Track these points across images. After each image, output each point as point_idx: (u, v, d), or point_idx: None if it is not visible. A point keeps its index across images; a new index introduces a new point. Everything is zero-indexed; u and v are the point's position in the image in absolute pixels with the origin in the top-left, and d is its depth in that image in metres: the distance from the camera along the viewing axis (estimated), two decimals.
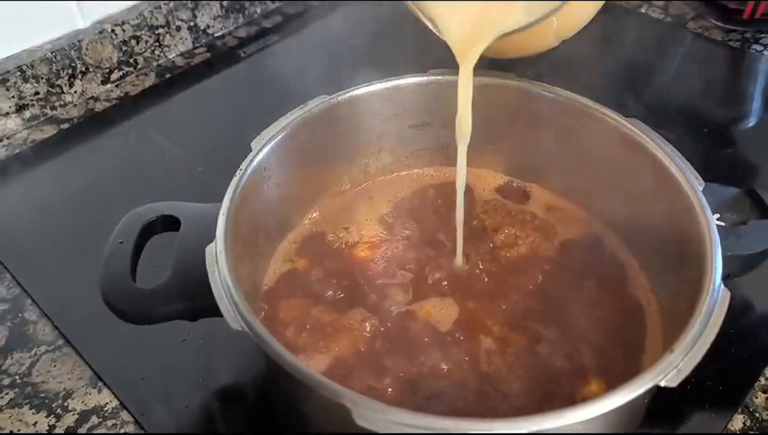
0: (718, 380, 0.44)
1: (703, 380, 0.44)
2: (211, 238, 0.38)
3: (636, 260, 0.46)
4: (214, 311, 0.36)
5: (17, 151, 0.65)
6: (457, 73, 0.48)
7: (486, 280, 0.46)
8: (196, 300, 0.38)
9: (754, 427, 0.43)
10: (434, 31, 0.44)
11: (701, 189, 0.39)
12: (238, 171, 0.41)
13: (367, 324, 0.43)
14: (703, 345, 0.32)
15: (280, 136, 0.44)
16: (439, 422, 0.29)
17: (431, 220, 0.50)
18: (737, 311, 0.47)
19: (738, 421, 0.43)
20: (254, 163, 0.42)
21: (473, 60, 0.42)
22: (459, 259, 0.46)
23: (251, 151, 0.43)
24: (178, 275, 0.39)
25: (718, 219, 0.38)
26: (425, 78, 0.49)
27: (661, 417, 0.42)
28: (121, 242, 0.40)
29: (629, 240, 0.47)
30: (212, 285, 0.35)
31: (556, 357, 0.41)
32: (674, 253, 0.41)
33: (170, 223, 0.43)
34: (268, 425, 0.43)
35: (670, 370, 0.31)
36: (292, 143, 0.45)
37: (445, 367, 0.40)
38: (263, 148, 0.43)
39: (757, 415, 0.43)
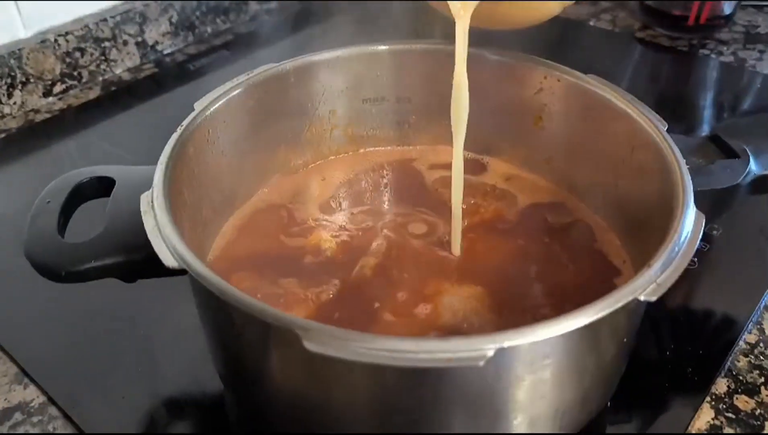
0: (699, 347, 0.42)
1: (685, 349, 0.42)
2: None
3: (605, 221, 0.44)
4: (151, 269, 0.33)
5: None
6: (413, 44, 0.47)
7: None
8: (130, 253, 0.34)
9: (739, 389, 0.40)
10: None
11: (665, 129, 0.38)
12: (179, 127, 0.39)
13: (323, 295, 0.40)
14: (683, 260, 0.30)
15: (224, 100, 0.42)
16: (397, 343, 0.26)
17: (386, 201, 0.47)
18: (712, 283, 0.47)
19: (722, 385, 0.40)
20: (197, 121, 0.40)
21: (469, 12, 0.40)
22: (456, 249, 0.43)
23: (194, 110, 0.41)
24: (110, 230, 0.35)
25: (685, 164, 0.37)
26: (379, 47, 0.47)
27: (644, 384, 0.40)
28: (48, 202, 0.37)
29: (594, 202, 0.45)
30: (147, 229, 0.32)
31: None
32: (644, 202, 0.39)
33: (105, 186, 0.39)
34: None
35: (649, 285, 0.29)
36: (238, 109, 0.43)
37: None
38: (207, 108, 0.41)
39: (741, 378, 0.41)
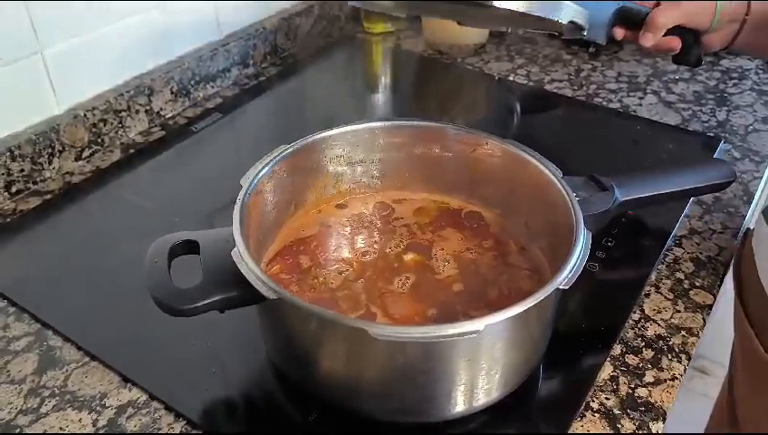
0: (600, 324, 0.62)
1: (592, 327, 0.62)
2: (229, 248, 0.51)
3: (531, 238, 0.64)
4: (240, 301, 0.50)
5: (8, 220, 0.75)
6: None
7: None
8: (226, 292, 0.50)
9: (628, 352, 0.60)
10: None
11: (561, 175, 0.58)
12: (238, 200, 0.54)
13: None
14: (583, 260, 0.49)
15: (260, 175, 0.58)
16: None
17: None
18: (609, 278, 0.67)
19: (616, 349, 0.60)
20: (247, 193, 0.56)
21: None
22: None
23: (241, 187, 0.56)
24: (208, 276, 0.51)
25: (575, 197, 0.57)
26: (362, 126, 0.64)
27: (566, 351, 0.59)
28: (156, 261, 0.52)
29: (515, 222, 0.64)
30: (245, 275, 0.48)
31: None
32: (546, 221, 0.58)
33: (189, 246, 0.55)
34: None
35: (565, 278, 0.48)
36: (270, 179, 0.59)
37: None
38: (251, 184, 0.57)
39: (629, 344, 0.61)
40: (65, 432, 0.53)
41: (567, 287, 0.47)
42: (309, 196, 0.65)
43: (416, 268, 0.60)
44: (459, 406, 0.50)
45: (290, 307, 0.47)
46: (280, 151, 0.60)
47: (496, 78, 1.03)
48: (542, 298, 0.46)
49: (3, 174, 0.76)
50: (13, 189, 0.77)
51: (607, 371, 0.58)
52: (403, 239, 0.63)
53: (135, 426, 0.54)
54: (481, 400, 0.51)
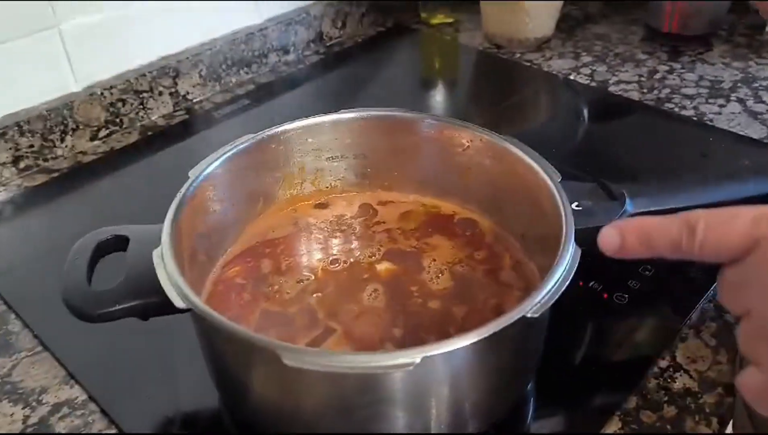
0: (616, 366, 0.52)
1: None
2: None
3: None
4: (162, 309, 0.43)
5: (11, 195, 0.73)
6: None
7: None
8: (146, 297, 0.44)
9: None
10: None
11: (559, 180, 0.48)
12: (178, 193, 0.48)
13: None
14: (562, 285, 0.39)
15: (212, 167, 0.51)
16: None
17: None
18: (638, 314, 0.56)
19: (631, 402, 0.49)
20: (192, 187, 0.49)
21: None
22: None
23: (189, 178, 0.50)
24: (128, 279, 0.45)
25: (576, 206, 0.46)
26: (337, 116, 0.57)
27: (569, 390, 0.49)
28: (76, 259, 0.47)
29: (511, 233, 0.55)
30: (160, 278, 0.42)
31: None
32: (543, 233, 0.49)
33: (121, 242, 0.49)
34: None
35: (534, 306, 0.38)
36: (225, 174, 0.53)
37: None
38: (199, 175, 0.50)
39: (648, 396, 0.49)
40: None
41: (536, 316, 0.38)
42: (280, 193, 0.58)
43: (390, 281, 0.52)
44: None
45: (202, 320, 0.40)
46: (240, 141, 0.54)
47: (560, 77, 0.92)
48: (497, 329, 0.37)
49: (11, 148, 0.74)
50: (21, 164, 0.75)
51: (613, 427, 0.47)
52: (381, 246, 0.55)
53: (65, 427, 0.49)
54: None
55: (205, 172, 0.51)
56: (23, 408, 0.51)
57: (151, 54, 0.85)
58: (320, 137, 0.57)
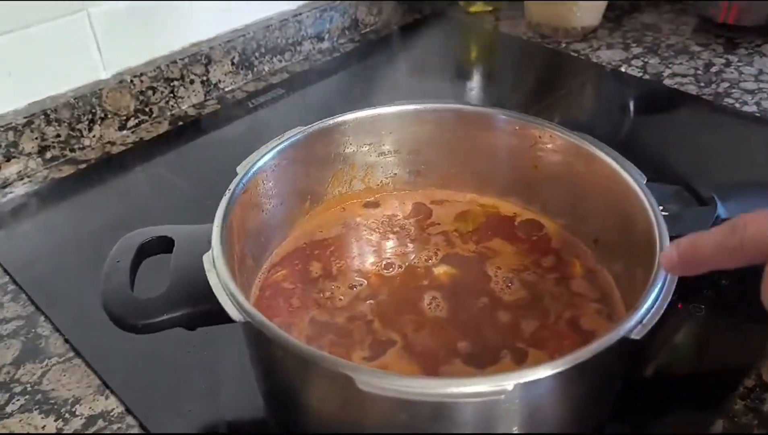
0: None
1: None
2: (204, 251, 0.40)
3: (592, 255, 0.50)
4: (212, 318, 0.39)
5: (36, 187, 0.69)
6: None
7: None
8: (194, 306, 0.40)
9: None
10: None
11: (644, 182, 0.44)
12: (227, 191, 0.44)
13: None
14: (664, 302, 0.35)
15: (261, 162, 0.47)
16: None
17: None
18: (717, 328, 0.51)
19: (718, 426, 0.45)
20: (241, 184, 0.45)
21: None
22: None
23: (237, 174, 0.46)
24: (175, 286, 0.41)
25: (662, 210, 0.42)
26: (393, 108, 0.53)
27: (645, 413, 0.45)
28: (118, 262, 0.43)
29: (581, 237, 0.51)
30: (212, 286, 0.38)
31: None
32: (622, 238, 0.44)
33: (165, 244, 0.45)
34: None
35: (636, 325, 0.34)
36: (275, 168, 0.49)
37: None
38: (247, 172, 0.46)
39: (735, 420, 0.45)
40: None
41: (638, 338, 0.33)
42: (330, 191, 0.54)
43: (451, 288, 0.48)
44: None
45: (259, 334, 0.36)
46: (290, 134, 0.49)
47: (608, 69, 0.87)
48: (602, 348, 0.33)
49: (37, 138, 0.70)
50: (48, 155, 0.71)
51: None
52: (438, 250, 0.50)
53: None
54: None
55: (255, 168, 0.47)
56: (56, 420, 0.47)
57: (183, 40, 0.80)
58: (375, 130, 0.53)
